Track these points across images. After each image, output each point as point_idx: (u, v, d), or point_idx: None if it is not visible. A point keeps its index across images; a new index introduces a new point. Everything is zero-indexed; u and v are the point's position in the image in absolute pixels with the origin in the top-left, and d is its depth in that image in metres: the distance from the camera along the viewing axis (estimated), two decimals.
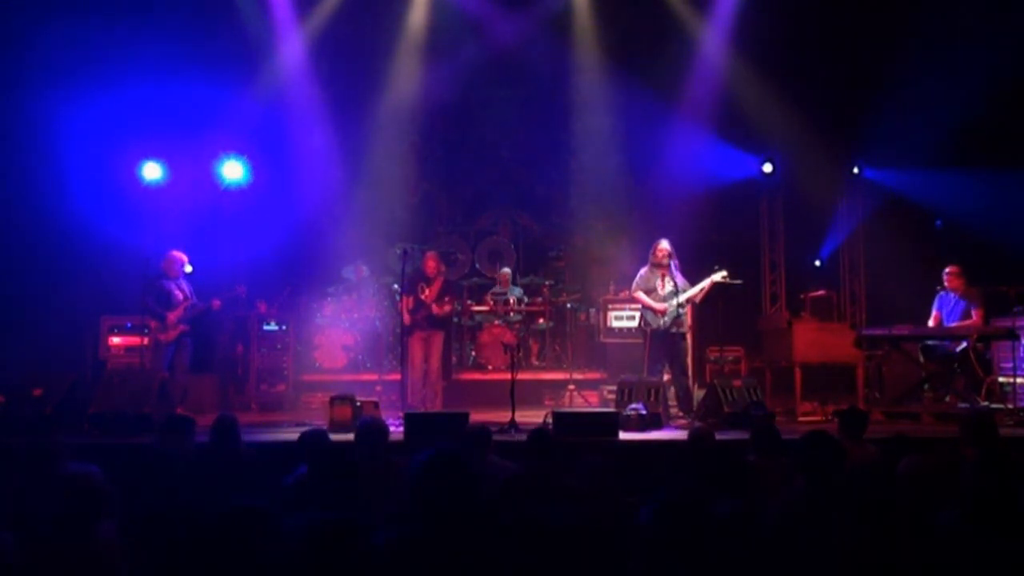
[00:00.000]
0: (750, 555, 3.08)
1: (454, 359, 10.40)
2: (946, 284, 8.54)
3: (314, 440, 4.83)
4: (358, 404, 7.50)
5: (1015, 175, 9.66)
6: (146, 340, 8.67)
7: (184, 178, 10.14)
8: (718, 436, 6.00)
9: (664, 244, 8.32)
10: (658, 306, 8.26)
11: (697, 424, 7.50)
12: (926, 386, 8.59)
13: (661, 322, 8.25)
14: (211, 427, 5.10)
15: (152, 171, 10.09)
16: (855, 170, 10.64)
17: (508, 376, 7.78)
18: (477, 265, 12.09)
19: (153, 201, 10.03)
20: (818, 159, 10.26)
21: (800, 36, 10.05)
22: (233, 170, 10.29)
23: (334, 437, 5.44)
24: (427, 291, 8.83)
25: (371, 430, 4.83)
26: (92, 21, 9.27)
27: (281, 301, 10.35)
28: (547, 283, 11.11)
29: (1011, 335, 8.20)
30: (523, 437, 5.33)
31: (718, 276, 8.24)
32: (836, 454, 3.59)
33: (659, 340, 8.33)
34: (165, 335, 8.44)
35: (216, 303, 8.70)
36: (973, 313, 8.39)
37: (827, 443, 3.72)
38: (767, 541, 3.36)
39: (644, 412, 7.45)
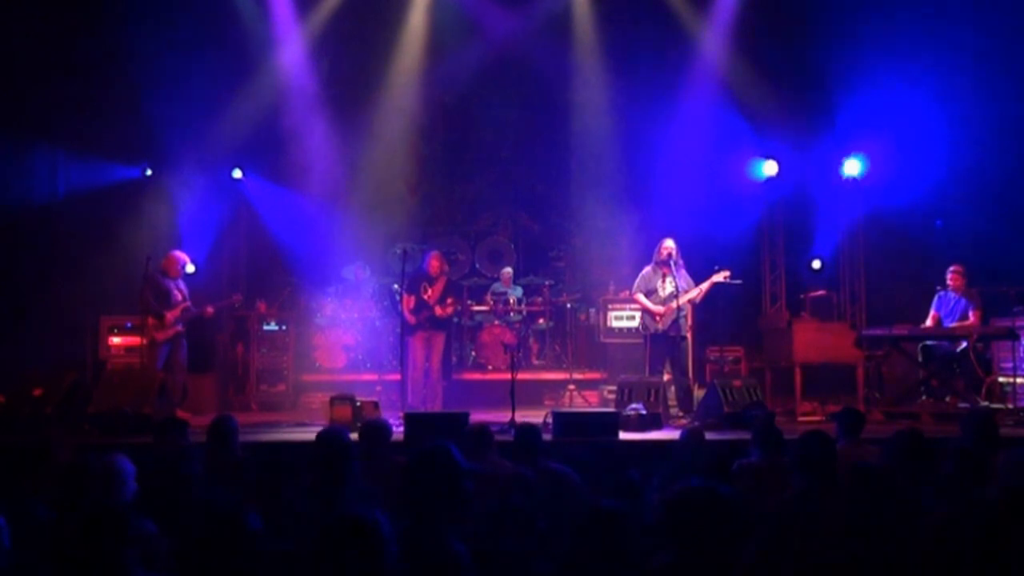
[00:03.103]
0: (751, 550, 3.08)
1: (454, 359, 10.39)
2: (949, 283, 8.54)
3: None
4: (358, 404, 7.50)
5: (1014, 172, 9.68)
6: (144, 339, 8.66)
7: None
8: (718, 436, 6.03)
9: (668, 242, 8.33)
10: (655, 308, 8.27)
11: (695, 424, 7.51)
12: (924, 387, 8.59)
13: (659, 326, 8.25)
14: (208, 429, 5.09)
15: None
16: (852, 168, 10.62)
17: (508, 376, 7.78)
18: (477, 265, 12.08)
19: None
20: (817, 158, 10.25)
21: (797, 34, 10.06)
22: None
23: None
24: (430, 291, 8.84)
25: (374, 429, 4.87)
26: None
27: (281, 301, 10.37)
28: (547, 283, 11.11)
29: (1011, 335, 8.20)
30: None
31: (719, 276, 8.25)
32: (832, 454, 3.59)
33: (659, 343, 8.35)
34: (162, 333, 8.43)
35: (209, 310, 8.71)
36: (971, 314, 8.40)
37: (824, 443, 3.72)
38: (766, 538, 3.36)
39: (644, 412, 7.45)
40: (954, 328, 8.43)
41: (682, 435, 5.47)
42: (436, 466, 3.01)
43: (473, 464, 3.49)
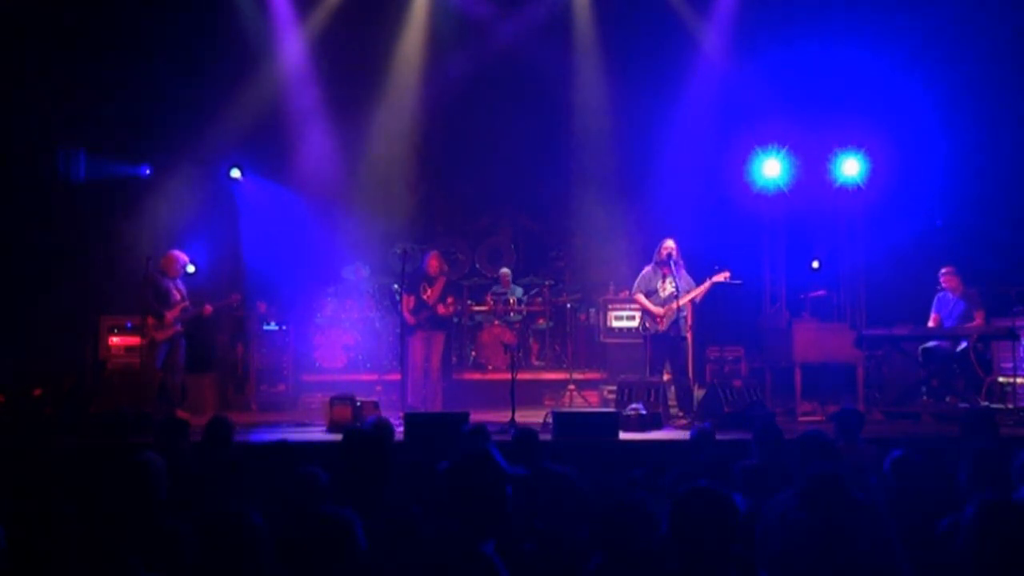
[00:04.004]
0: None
1: (454, 359, 10.40)
2: (943, 284, 8.58)
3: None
4: (358, 404, 7.50)
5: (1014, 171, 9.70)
6: (144, 339, 8.65)
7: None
8: (718, 436, 6.00)
9: (669, 242, 8.33)
10: (655, 309, 8.27)
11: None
12: (924, 387, 8.60)
13: (659, 327, 8.25)
14: (204, 429, 5.10)
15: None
16: (853, 168, 10.62)
17: (508, 376, 7.79)
18: (477, 265, 12.08)
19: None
20: (817, 158, 10.25)
21: (796, 34, 10.06)
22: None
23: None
24: (429, 291, 8.85)
25: (378, 428, 4.87)
26: None
27: (281, 301, 10.37)
28: (547, 283, 11.11)
29: (1011, 335, 8.20)
30: None
31: (719, 277, 8.25)
32: (831, 455, 3.59)
33: (659, 343, 8.35)
34: (161, 333, 8.43)
35: (208, 309, 8.72)
36: (975, 315, 8.40)
37: (823, 443, 3.72)
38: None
39: (644, 412, 7.46)
40: (955, 329, 8.43)
41: (692, 435, 5.48)
42: (479, 471, 2.91)
43: None
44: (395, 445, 5.64)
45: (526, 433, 5.05)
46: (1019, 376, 8.21)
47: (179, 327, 8.53)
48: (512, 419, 7.32)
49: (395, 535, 3.36)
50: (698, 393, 8.53)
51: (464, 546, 2.73)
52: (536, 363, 10.88)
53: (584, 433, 6.84)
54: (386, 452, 4.14)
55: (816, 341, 8.57)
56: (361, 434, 4.43)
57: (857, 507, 3.22)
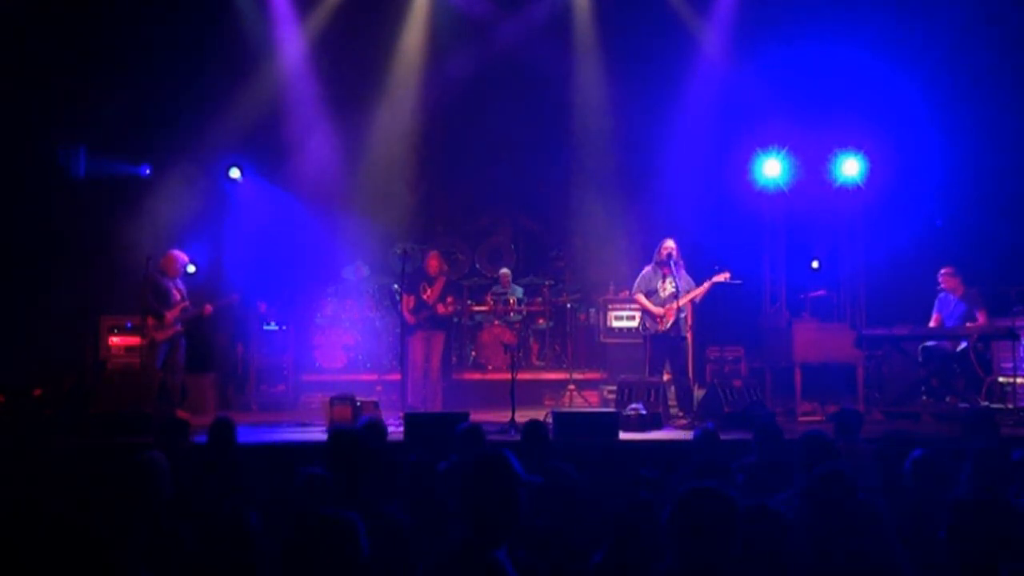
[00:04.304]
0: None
1: (454, 359, 10.40)
2: (942, 285, 8.58)
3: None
4: (358, 404, 7.50)
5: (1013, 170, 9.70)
6: (144, 339, 8.65)
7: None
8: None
9: (669, 242, 8.33)
10: (656, 310, 8.27)
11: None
12: (924, 387, 8.60)
13: (659, 327, 8.25)
14: (208, 429, 5.10)
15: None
16: (852, 168, 10.63)
17: (508, 376, 7.79)
18: (477, 265, 12.08)
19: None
20: (817, 157, 10.26)
21: (797, 34, 10.07)
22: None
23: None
24: (429, 291, 8.85)
25: (367, 428, 4.86)
26: None
27: (281, 301, 10.37)
28: (547, 283, 11.11)
29: (1011, 335, 8.21)
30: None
31: (720, 277, 8.25)
32: (832, 455, 3.60)
33: (659, 343, 8.34)
34: (161, 333, 8.43)
35: (208, 309, 8.72)
36: (977, 315, 8.40)
37: (823, 444, 3.72)
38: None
39: (644, 412, 7.47)
40: (955, 328, 8.44)
41: (695, 435, 5.47)
42: (495, 476, 2.84)
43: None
44: (392, 445, 5.63)
45: (536, 426, 5.05)
46: (1019, 376, 8.22)
47: (179, 327, 8.53)
48: (512, 419, 7.32)
49: (393, 538, 3.35)
50: (698, 393, 8.53)
51: (477, 552, 2.71)
52: (536, 363, 10.89)
53: (584, 433, 6.85)
54: (374, 452, 4.12)
55: (816, 341, 8.58)
56: (347, 435, 4.42)
57: (859, 507, 3.21)
